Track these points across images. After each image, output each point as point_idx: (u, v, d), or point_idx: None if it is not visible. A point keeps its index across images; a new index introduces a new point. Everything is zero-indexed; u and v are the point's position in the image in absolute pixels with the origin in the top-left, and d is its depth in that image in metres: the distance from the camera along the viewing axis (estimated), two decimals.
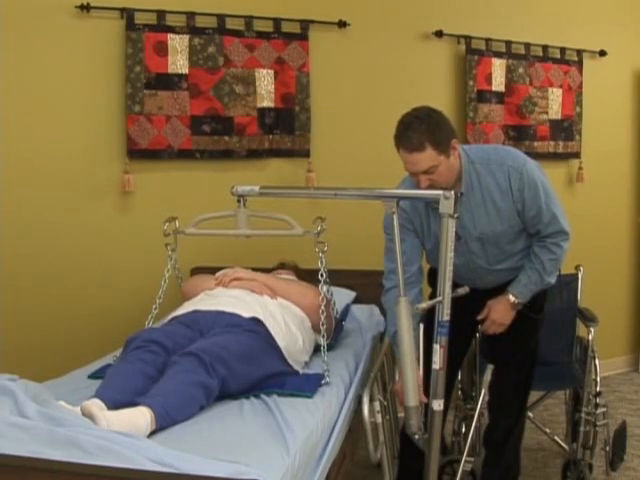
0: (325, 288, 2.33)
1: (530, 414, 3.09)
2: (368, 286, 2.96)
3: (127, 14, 3.10)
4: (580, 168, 4.23)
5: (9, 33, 2.98)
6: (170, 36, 3.18)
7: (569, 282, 3.11)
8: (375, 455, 2.15)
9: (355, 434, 2.28)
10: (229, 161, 3.34)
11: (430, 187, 2.18)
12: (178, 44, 3.20)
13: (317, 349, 2.40)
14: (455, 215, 1.94)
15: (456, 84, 3.85)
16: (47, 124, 3.08)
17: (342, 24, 3.52)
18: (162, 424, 1.72)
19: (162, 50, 3.17)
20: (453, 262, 1.99)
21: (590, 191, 4.27)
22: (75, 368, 2.28)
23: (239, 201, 2.25)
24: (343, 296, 2.97)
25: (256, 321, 2.23)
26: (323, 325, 2.27)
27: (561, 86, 4.12)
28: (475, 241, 2.34)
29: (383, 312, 3.02)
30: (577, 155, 4.23)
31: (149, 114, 3.16)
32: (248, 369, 2.02)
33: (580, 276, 3.16)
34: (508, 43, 3.91)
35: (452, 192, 1.94)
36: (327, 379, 2.15)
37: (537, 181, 2.29)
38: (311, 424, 1.83)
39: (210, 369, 1.89)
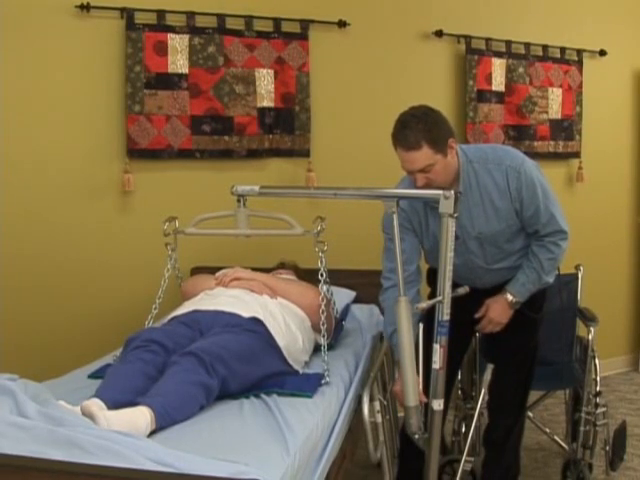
0: (325, 288, 2.33)
1: (530, 414, 3.09)
2: (368, 286, 2.96)
3: (127, 14, 3.10)
4: (580, 168, 4.23)
5: (9, 33, 2.98)
6: (170, 36, 3.18)
7: (569, 282, 3.11)
8: (375, 455, 2.15)
9: (355, 434, 2.29)
10: (229, 161, 3.34)
11: (427, 186, 2.19)
12: (178, 44, 3.20)
13: (317, 349, 2.40)
14: (455, 215, 1.94)
15: (456, 84, 3.85)
16: (47, 124, 3.08)
17: (342, 24, 3.52)
18: (162, 424, 1.72)
19: (162, 50, 3.17)
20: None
21: (590, 191, 4.27)
22: (75, 368, 2.28)
23: (239, 201, 2.25)
24: (343, 296, 2.97)
25: (256, 321, 2.23)
26: (323, 325, 2.27)
27: (561, 86, 4.12)
28: (473, 240, 2.34)
29: (383, 312, 3.03)
30: (577, 155, 4.23)
31: (149, 114, 3.16)
32: (248, 369, 2.02)
33: (580, 276, 3.16)
34: (508, 43, 3.91)
35: (452, 192, 1.94)
36: (327, 379, 2.15)
37: (535, 181, 2.29)
38: (311, 424, 1.83)
39: (210, 369, 1.89)
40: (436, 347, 2.01)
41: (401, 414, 2.46)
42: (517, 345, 2.50)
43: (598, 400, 2.91)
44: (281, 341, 2.21)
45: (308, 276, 2.72)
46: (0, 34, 2.96)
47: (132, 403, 1.74)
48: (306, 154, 3.47)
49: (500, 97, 3.91)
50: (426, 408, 2.07)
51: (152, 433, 1.68)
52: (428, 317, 2.09)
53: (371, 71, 3.64)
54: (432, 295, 2.31)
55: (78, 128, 3.12)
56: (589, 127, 4.21)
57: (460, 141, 3.84)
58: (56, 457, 1.36)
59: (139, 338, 2.07)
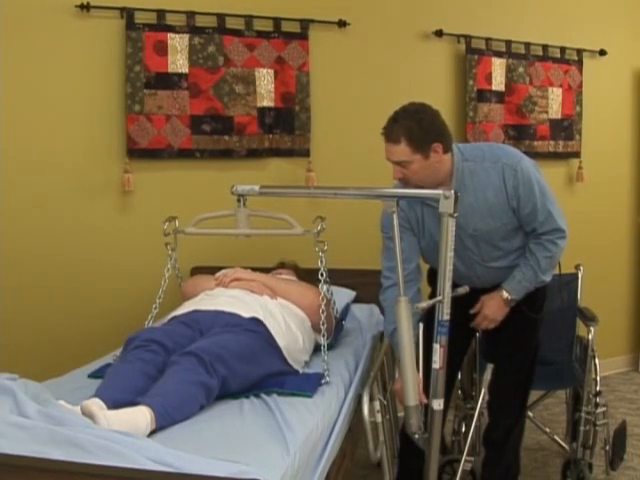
0: (325, 287, 2.33)
1: (530, 413, 3.08)
2: (368, 285, 2.96)
3: (127, 13, 3.10)
4: (580, 168, 4.23)
5: (9, 33, 2.98)
6: (170, 35, 3.18)
7: (569, 281, 3.11)
8: (375, 454, 2.15)
9: (355, 433, 2.29)
10: (229, 160, 3.34)
11: (403, 180, 2.25)
12: (178, 43, 3.20)
13: (317, 348, 2.40)
14: (455, 214, 1.94)
15: (456, 83, 3.85)
16: (47, 123, 3.08)
17: (342, 24, 3.52)
18: (162, 423, 1.72)
19: (162, 49, 3.17)
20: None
21: (590, 191, 4.27)
22: (75, 367, 2.28)
23: (239, 200, 2.25)
24: (343, 295, 2.97)
25: (256, 321, 2.23)
26: (323, 324, 2.27)
27: (561, 85, 4.12)
28: (468, 238, 2.34)
29: (383, 311, 3.03)
30: (577, 155, 4.23)
31: (149, 113, 3.16)
32: (248, 369, 2.02)
33: (580, 275, 3.16)
34: (508, 42, 3.91)
35: (452, 191, 1.93)
36: (327, 378, 2.15)
37: (532, 178, 2.29)
38: (311, 423, 1.83)
39: (210, 368, 1.89)
40: (436, 347, 2.00)
41: (401, 414, 2.46)
42: (517, 345, 2.50)
43: (598, 400, 2.91)
44: (281, 341, 2.21)
45: (308, 276, 2.72)
46: (0, 34, 2.96)
47: (132, 403, 1.74)
48: (306, 154, 3.47)
49: (500, 97, 3.91)
50: (426, 408, 2.07)
51: (152, 433, 1.68)
52: (428, 317, 2.09)
53: (371, 71, 3.64)
54: (433, 295, 2.31)
55: (78, 128, 3.12)
56: (589, 127, 4.21)
57: (460, 141, 3.84)
58: (56, 457, 1.36)
59: (139, 338, 2.07)
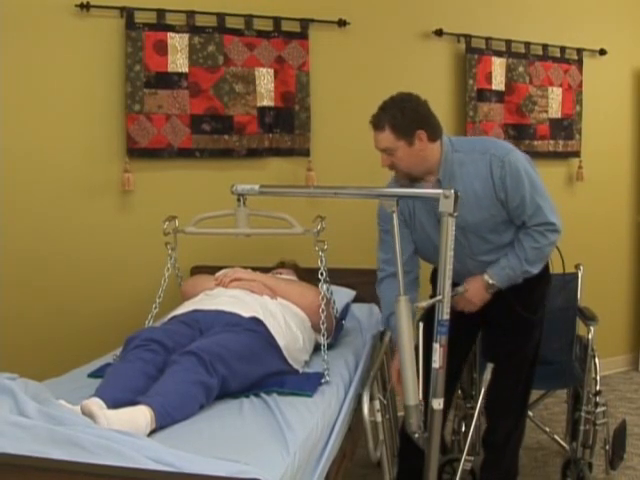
0: (325, 287, 2.33)
1: (530, 413, 3.08)
2: (368, 285, 2.95)
3: (127, 13, 3.10)
4: (580, 167, 4.23)
5: (9, 32, 2.98)
6: (170, 35, 3.18)
7: (569, 281, 3.11)
8: (375, 454, 2.15)
9: (355, 433, 2.29)
10: (229, 160, 3.34)
11: (391, 167, 2.34)
12: (178, 43, 3.19)
13: (317, 348, 2.40)
14: (455, 214, 1.94)
15: (456, 83, 3.85)
16: (47, 123, 3.08)
17: (342, 23, 3.52)
18: (162, 423, 1.72)
19: (162, 49, 3.17)
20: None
21: (590, 190, 4.27)
22: (75, 367, 2.28)
23: (239, 200, 2.25)
24: (343, 295, 2.97)
25: (256, 320, 2.23)
26: (323, 324, 2.27)
27: (561, 85, 4.12)
28: (458, 230, 2.33)
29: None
30: (577, 154, 4.22)
31: (149, 113, 3.16)
32: (248, 368, 2.02)
33: (580, 275, 3.16)
34: (508, 42, 3.91)
35: (452, 191, 1.93)
36: (327, 378, 2.15)
37: (521, 171, 2.29)
38: (311, 423, 1.83)
39: (210, 368, 1.89)
40: (436, 346, 2.00)
41: (401, 413, 2.46)
42: (514, 347, 2.49)
43: (598, 399, 2.91)
44: (281, 341, 2.21)
45: (308, 275, 2.72)
46: (0, 34, 2.96)
47: (132, 402, 1.74)
48: (306, 153, 3.47)
49: (500, 96, 3.91)
50: (426, 407, 2.07)
51: (152, 432, 1.68)
52: (428, 317, 2.09)
53: (371, 70, 3.64)
54: (433, 295, 2.31)
55: (78, 127, 3.12)
56: (589, 126, 4.21)
57: None
58: (56, 456, 1.36)
59: (139, 337, 2.07)
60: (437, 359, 2.01)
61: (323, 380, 2.14)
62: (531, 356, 2.53)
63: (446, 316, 1.98)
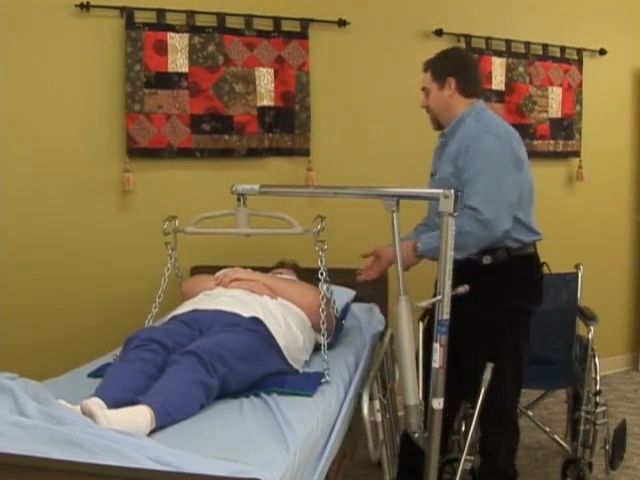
0: (325, 287, 2.33)
1: (530, 413, 3.09)
2: (368, 285, 2.95)
3: (127, 13, 3.10)
4: (580, 167, 4.23)
5: (9, 32, 2.98)
6: (170, 35, 3.18)
7: (569, 281, 3.11)
8: (375, 454, 2.15)
9: (355, 433, 2.28)
10: (229, 160, 3.34)
11: (425, 108, 2.56)
12: (178, 43, 3.20)
13: (317, 348, 2.40)
14: (455, 214, 1.94)
15: None
16: (47, 123, 3.08)
17: (342, 23, 3.52)
18: (162, 423, 1.71)
19: (162, 49, 3.17)
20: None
21: (590, 190, 4.27)
22: (75, 367, 2.28)
23: (239, 200, 2.25)
24: (343, 295, 2.96)
25: (256, 320, 2.23)
26: (323, 324, 2.26)
27: (561, 85, 4.12)
28: (433, 183, 2.50)
29: (383, 311, 3.03)
30: (577, 154, 4.23)
31: (149, 113, 3.16)
32: (248, 368, 2.02)
33: (580, 275, 3.16)
34: (508, 42, 3.91)
35: (452, 190, 1.93)
36: (327, 378, 2.15)
37: (487, 151, 2.32)
38: (311, 423, 1.83)
39: (210, 368, 1.89)
40: (436, 346, 2.00)
41: (401, 413, 2.45)
42: (485, 354, 2.32)
43: (598, 399, 2.91)
44: (281, 340, 2.21)
45: (308, 275, 2.72)
46: (0, 34, 2.96)
47: (132, 402, 1.74)
48: (306, 153, 3.47)
49: (500, 96, 3.91)
50: (426, 407, 2.07)
51: (152, 432, 1.68)
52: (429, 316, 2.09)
53: (371, 70, 3.64)
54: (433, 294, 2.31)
55: (78, 127, 3.12)
56: (589, 126, 4.21)
57: None
58: (56, 456, 1.35)
59: (139, 337, 2.07)
60: (437, 359, 2.00)
61: (323, 380, 2.13)
62: (513, 360, 2.40)
63: (446, 316, 1.98)
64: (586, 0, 4.23)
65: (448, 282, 1.98)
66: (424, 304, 2.01)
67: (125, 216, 3.22)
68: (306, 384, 2.09)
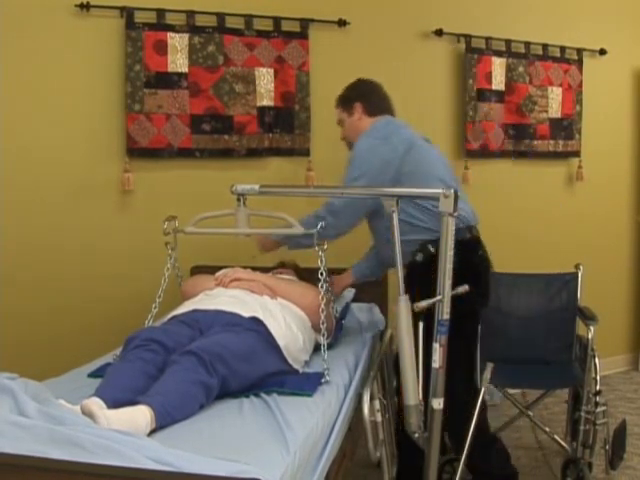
0: (325, 287, 2.33)
1: (530, 413, 3.09)
2: (368, 285, 2.96)
3: (127, 13, 3.10)
4: (580, 167, 4.23)
5: (9, 32, 2.98)
6: (170, 35, 3.18)
7: (569, 281, 3.11)
8: (375, 454, 2.15)
9: (355, 433, 2.28)
10: (229, 160, 3.34)
11: (343, 139, 2.78)
12: (178, 43, 3.20)
13: (317, 348, 2.40)
14: (455, 214, 1.94)
15: (456, 83, 3.85)
16: (47, 123, 3.08)
17: (342, 23, 3.52)
18: (162, 423, 1.71)
19: (162, 49, 3.17)
20: None
21: (590, 190, 4.27)
22: (75, 367, 2.28)
23: (239, 200, 2.25)
24: (343, 295, 2.97)
25: (256, 320, 2.23)
26: (323, 324, 2.27)
27: (561, 85, 4.12)
28: None
29: (383, 311, 3.03)
30: (577, 154, 4.22)
31: (149, 113, 3.16)
32: (248, 368, 2.02)
33: (580, 275, 3.16)
34: (508, 42, 3.91)
35: (452, 190, 1.93)
36: (327, 378, 2.15)
37: (359, 149, 2.55)
38: (311, 423, 1.83)
39: (210, 368, 1.89)
40: (436, 346, 2.00)
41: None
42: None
43: (598, 399, 2.90)
44: (281, 340, 2.21)
45: (308, 275, 2.72)
46: (0, 34, 2.96)
47: (132, 402, 1.74)
48: (306, 153, 3.47)
49: (500, 96, 3.91)
50: (426, 407, 2.07)
51: (152, 432, 1.68)
52: (428, 316, 2.09)
53: (371, 70, 3.60)
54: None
55: (78, 127, 3.12)
56: (589, 126, 4.21)
57: (459, 140, 3.85)
58: (56, 456, 1.35)
59: (139, 337, 2.07)
60: (437, 359, 2.01)
61: (323, 380, 2.13)
62: (456, 345, 2.13)
63: (446, 316, 1.98)
64: (586, 0, 4.23)
65: (448, 282, 1.98)
66: (424, 304, 2.01)
67: (125, 216, 3.22)
68: (306, 384, 2.09)
